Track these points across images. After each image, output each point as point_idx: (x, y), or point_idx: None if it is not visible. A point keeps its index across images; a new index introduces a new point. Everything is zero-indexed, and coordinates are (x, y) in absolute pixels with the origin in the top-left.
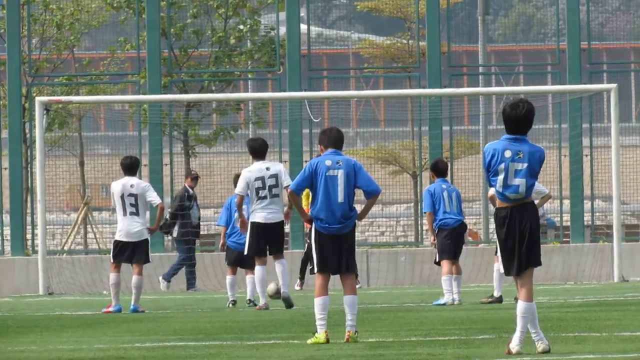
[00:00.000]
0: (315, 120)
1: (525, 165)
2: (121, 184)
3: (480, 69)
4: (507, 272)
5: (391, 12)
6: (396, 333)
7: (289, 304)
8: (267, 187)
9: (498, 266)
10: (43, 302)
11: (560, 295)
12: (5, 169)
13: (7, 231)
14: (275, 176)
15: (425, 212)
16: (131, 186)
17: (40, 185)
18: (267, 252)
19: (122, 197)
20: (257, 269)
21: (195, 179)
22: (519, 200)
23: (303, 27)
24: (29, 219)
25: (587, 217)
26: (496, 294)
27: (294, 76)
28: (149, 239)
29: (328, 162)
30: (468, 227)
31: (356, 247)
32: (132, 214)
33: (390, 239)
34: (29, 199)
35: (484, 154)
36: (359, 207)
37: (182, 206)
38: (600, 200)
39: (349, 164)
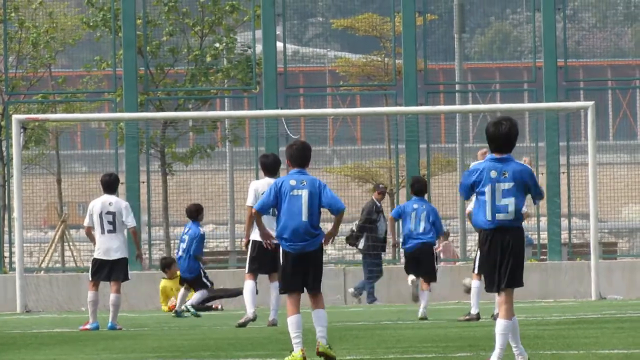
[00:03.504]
0: (293, 137)
1: (512, 184)
2: (100, 202)
3: (457, 87)
4: (489, 289)
5: (367, 30)
6: (373, 350)
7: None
8: None
9: (476, 283)
10: (20, 320)
11: (537, 312)
12: None
13: None
14: None
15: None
16: (110, 204)
17: (17, 203)
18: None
19: (100, 215)
20: (248, 282)
21: (383, 193)
22: (507, 222)
23: (279, 45)
24: (6, 236)
25: (564, 235)
26: (473, 311)
27: (271, 94)
28: (127, 257)
29: (292, 182)
30: (437, 243)
31: (334, 265)
32: (109, 231)
33: None
34: (6, 216)
35: (468, 173)
36: (329, 226)
37: (369, 219)
38: (577, 218)
39: (313, 184)
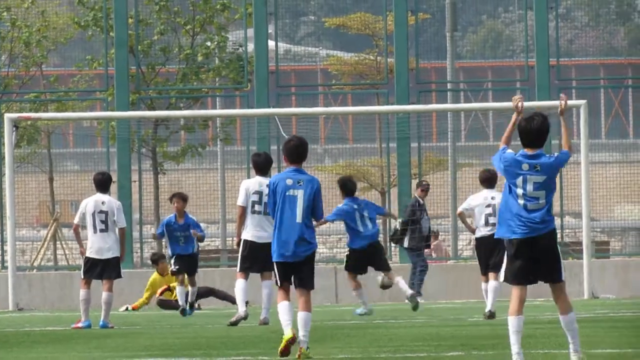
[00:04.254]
0: (286, 136)
1: (544, 177)
2: (93, 201)
3: (449, 86)
4: (518, 281)
5: (359, 28)
6: (365, 349)
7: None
8: (262, 204)
9: (485, 286)
10: (12, 318)
11: (530, 312)
12: None
13: None
14: None
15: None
16: (102, 203)
17: (9, 202)
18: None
19: (93, 214)
20: (239, 281)
21: (425, 190)
22: (538, 216)
23: (271, 43)
24: None
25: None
26: (489, 308)
27: (262, 93)
28: (119, 256)
29: (289, 182)
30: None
31: (325, 264)
32: (102, 230)
33: None
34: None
35: (500, 158)
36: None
37: (413, 216)
38: (570, 216)
39: (311, 185)
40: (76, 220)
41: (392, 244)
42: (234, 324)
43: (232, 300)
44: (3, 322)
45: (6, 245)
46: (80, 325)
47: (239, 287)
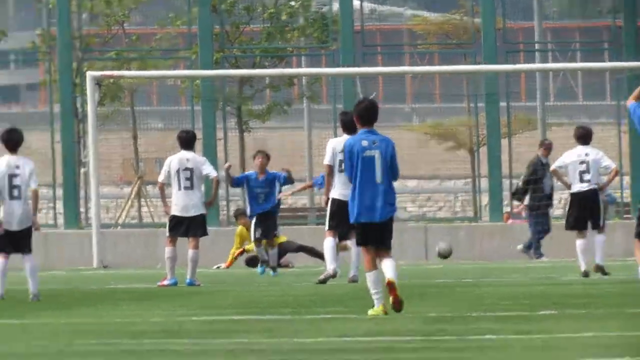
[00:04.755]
0: (370, 95)
1: None
2: (177, 158)
3: (537, 46)
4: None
5: None
6: (455, 308)
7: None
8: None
9: (580, 242)
10: (97, 275)
11: (621, 271)
12: (58, 142)
13: (60, 205)
14: None
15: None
16: (187, 160)
17: (93, 159)
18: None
19: (177, 171)
20: (328, 240)
21: (548, 148)
22: None
23: (356, 3)
24: (82, 192)
25: None
26: (583, 268)
27: (348, 52)
28: (205, 213)
29: (364, 143)
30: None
31: (415, 222)
32: (187, 188)
33: (449, 214)
34: (81, 172)
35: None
36: None
37: (535, 175)
38: None
39: (387, 144)
40: (161, 178)
41: (515, 201)
42: (323, 281)
43: (323, 257)
44: (88, 279)
45: (90, 202)
46: (165, 283)
47: (327, 245)
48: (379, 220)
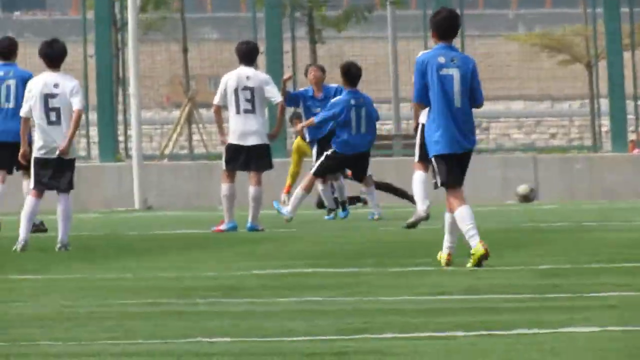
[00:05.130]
0: None
1: None
2: (235, 75)
3: None
4: None
5: None
6: (573, 258)
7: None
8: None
9: None
10: (139, 218)
11: None
12: (91, 56)
13: (94, 132)
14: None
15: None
16: (247, 78)
17: (134, 76)
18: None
19: (235, 91)
20: (417, 174)
21: None
22: None
23: None
24: (120, 117)
25: None
26: None
27: None
28: (268, 142)
29: (441, 59)
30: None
31: (522, 152)
32: (247, 111)
33: (563, 143)
34: (120, 92)
35: None
36: None
37: None
38: None
39: (466, 63)
40: (216, 100)
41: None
42: (413, 225)
43: (411, 199)
44: (129, 223)
45: (131, 129)
46: (222, 227)
47: (417, 180)
48: (461, 151)
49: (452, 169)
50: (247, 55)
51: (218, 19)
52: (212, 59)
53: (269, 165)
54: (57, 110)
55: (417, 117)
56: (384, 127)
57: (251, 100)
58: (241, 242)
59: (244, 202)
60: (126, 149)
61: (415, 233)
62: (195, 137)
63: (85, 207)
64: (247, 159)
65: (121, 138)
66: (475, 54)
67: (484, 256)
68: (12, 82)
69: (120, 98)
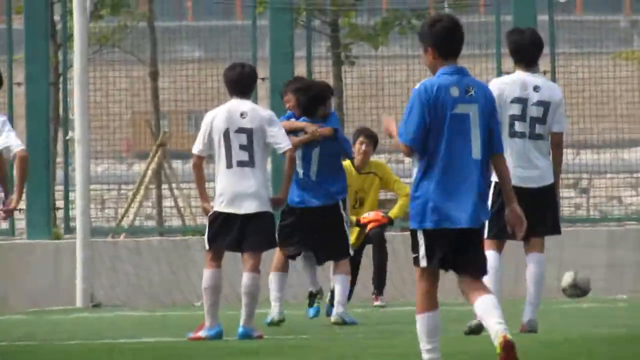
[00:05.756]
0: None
1: None
2: (225, 112)
3: None
4: None
5: None
6: None
7: None
8: (527, 119)
9: None
10: (83, 320)
11: None
12: (19, 85)
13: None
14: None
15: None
16: (242, 116)
17: (80, 114)
18: None
19: (225, 135)
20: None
21: None
22: None
23: None
24: (59, 172)
25: None
26: None
27: None
28: (271, 211)
29: (454, 91)
30: None
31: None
32: (242, 164)
33: None
34: (59, 137)
35: None
36: None
37: None
38: None
39: (485, 93)
40: (197, 148)
41: None
42: (475, 330)
43: None
44: (67, 326)
45: (73, 190)
46: (202, 334)
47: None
48: (469, 225)
49: (441, 249)
50: (241, 84)
51: (201, 30)
52: (193, 88)
53: (273, 244)
54: None
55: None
56: None
57: (248, 148)
58: (231, 355)
59: (234, 296)
60: (67, 220)
61: (479, 342)
62: (167, 202)
63: (5, 305)
64: (241, 235)
65: (59, 203)
66: (568, 80)
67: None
68: None
69: (60, 145)
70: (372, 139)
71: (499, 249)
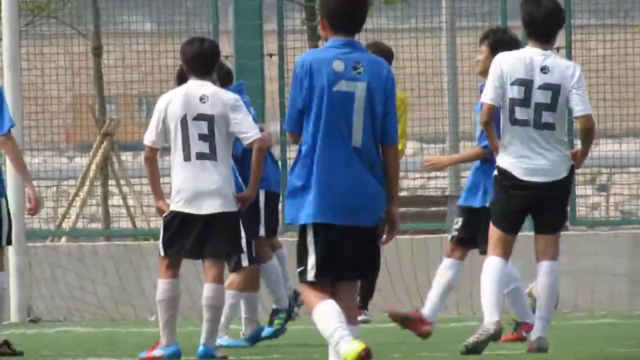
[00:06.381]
0: None
1: None
2: (182, 97)
3: None
4: None
5: None
6: None
7: None
8: (531, 105)
9: None
10: (19, 337)
11: None
12: None
13: None
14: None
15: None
16: (202, 100)
17: (11, 95)
18: None
19: (182, 122)
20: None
21: None
22: None
23: None
24: None
25: None
26: None
27: None
28: (236, 209)
29: (338, 65)
30: None
31: None
32: (202, 156)
33: None
34: None
35: None
36: None
37: None
38: None
39: (379, 70)
40: (148, 138)
41: None
42: (475, 348)
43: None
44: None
45: (6, 188)
46: (157, 353)
47: (489, 275)
48: (363, 224)
49: (328, 251)
50: (201, 61)
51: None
52: (145, 66)
53: (238, 249)
54: None
55: (492, 147)
56: (432, 182)
57: (209, 138)
58: None
59: (193, 309)
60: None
61: None
62: (115, 200)
63: None
64: (201, 239)
65: None
66: (586, 58)
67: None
68: None
69: None
70: None
71: (506, 255)
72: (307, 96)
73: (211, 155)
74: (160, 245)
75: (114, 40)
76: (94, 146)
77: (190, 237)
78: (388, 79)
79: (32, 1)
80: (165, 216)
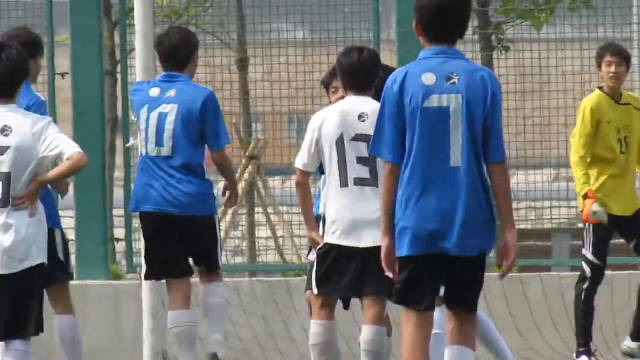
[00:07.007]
0: None
1: None
2: (337, 114)
3: None
4: None
5: None
6: None
7: None
8: None
9: None
10: None
11: None
12: (64, 75)
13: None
14: None
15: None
16: (360, 118)
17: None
18: None
19: (339, 143)
20: None
21: None
22: None
23: None
24: (118, 192)
25: None
26: None
27: None
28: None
29: (428, 78)
30: None
31: None
32: (361, 182)
33: None
34: (120, 143)
35: None
36: None
37: None
38: None
39: (476, 81)
40: (300, 162)
41: None
42: None
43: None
44: None
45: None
46: None
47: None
48: (458, 253)
49: (423, 280)
50: (359, 75)
51: (306, 3)
52: (296, 80)
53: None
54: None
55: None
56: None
57: (368, 162)
58: None
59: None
60: (129, 254)
61: None
62: (261, 231)
63: None
64: (360, 274)
65: (119, 233)
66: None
67: None
68: None
69: (119, 156)
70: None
71: None
72: (399, 117)
73: (371, 181)
74: (314, 282)
75: (261, 51)
76: (239, 170)
77: (347, 273)
78: (489, 88)
79: (167, 7)
80: (319, 249)
